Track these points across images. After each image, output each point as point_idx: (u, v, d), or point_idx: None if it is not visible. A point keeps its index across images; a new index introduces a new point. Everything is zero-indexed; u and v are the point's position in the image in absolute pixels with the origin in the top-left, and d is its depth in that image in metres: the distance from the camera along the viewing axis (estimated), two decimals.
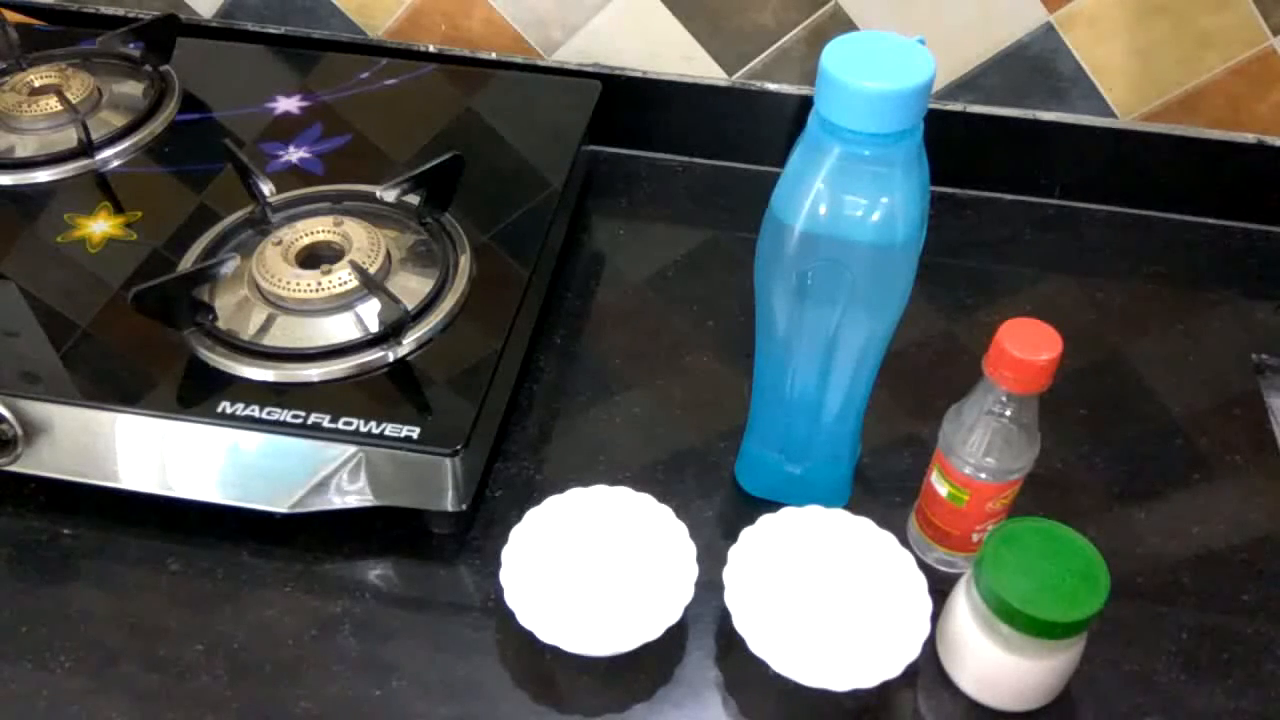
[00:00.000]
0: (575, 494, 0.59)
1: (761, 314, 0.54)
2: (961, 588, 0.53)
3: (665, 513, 0.58)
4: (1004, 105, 0.81)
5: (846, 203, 0.47)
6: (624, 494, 0.59)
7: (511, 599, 0.54)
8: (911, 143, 0.47)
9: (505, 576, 0.55)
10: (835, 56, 0.46)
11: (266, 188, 0.68)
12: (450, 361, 0.60)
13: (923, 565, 0.56)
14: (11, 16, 0.84)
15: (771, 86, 0.82)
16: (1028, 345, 0.50)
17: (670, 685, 0.55)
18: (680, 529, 0.57)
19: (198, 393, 0.57)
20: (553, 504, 0.58)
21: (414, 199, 0.69)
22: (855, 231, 0.48)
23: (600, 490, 0.59)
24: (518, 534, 0.57)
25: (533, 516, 0.58)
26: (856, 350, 0.53)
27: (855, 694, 0.51)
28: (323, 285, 0.61)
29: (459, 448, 0.55)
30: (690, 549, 0.56)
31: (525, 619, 0.53)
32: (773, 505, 0.58)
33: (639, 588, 0.56)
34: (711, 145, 0.86)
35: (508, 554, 0.56)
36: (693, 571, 0.55)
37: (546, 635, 0.53)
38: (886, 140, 0.46)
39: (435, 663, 0.55)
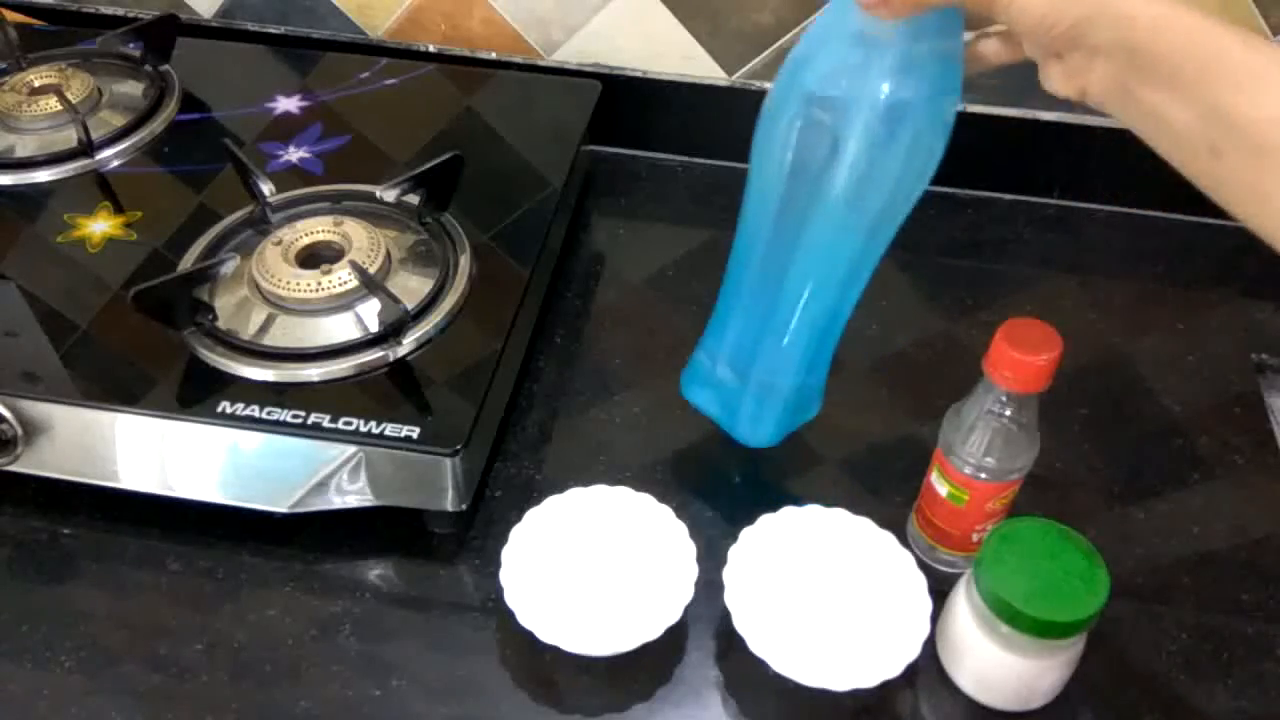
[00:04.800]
0: (575, 494, 0.59)
1: (749, 193, 0.54)
2: (961, 588, 0.53)
3: (665, 513, 0.58)
4: (1004, 105, 0.81)
5: (859, 71, 0.47)
6: (624, 494, 0.59)
7: (511, 599, 0.54)
8: (940, 41, 0.46)
9: (505, 576, 0.55)
10: None
11: (266, 188, 0.68)
12: (450, 361, 0.60)
13: (923, 565, 0.56)
14: (11, 16, 0.84)
15: (772, 86, 0.82)
16: (1028, 345, 0.50)
17: (670, 685, 0.55)
18: (680, 529, 0.57)
19: (198, 393, 0.57)
20: (553, 504, 0.58)
21: (414, 199, 0.69)
22: (861, 102, 0.47)
23: (600, 490, 0.59)
24: (518, 534, 0.57)
25: (533, 516, 0.58)
26: (822, 252, 0.52)
27: (855, 694, 0.51)
28: (323, 285, 0.61)
29: (459, 448, 0.55)
30: (690, 549, 0.56)
31: (525, 619, 0.53)
32: (773, 505, 0.58)
33: (639, 588, 0.56)
34: (711, 145, 0.86)
35: (508, 554, 0.56)
36: (693, 571, 0.55)
37: (546, 635, 0.53)
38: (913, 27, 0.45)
39: (435, 663, 0.55)
